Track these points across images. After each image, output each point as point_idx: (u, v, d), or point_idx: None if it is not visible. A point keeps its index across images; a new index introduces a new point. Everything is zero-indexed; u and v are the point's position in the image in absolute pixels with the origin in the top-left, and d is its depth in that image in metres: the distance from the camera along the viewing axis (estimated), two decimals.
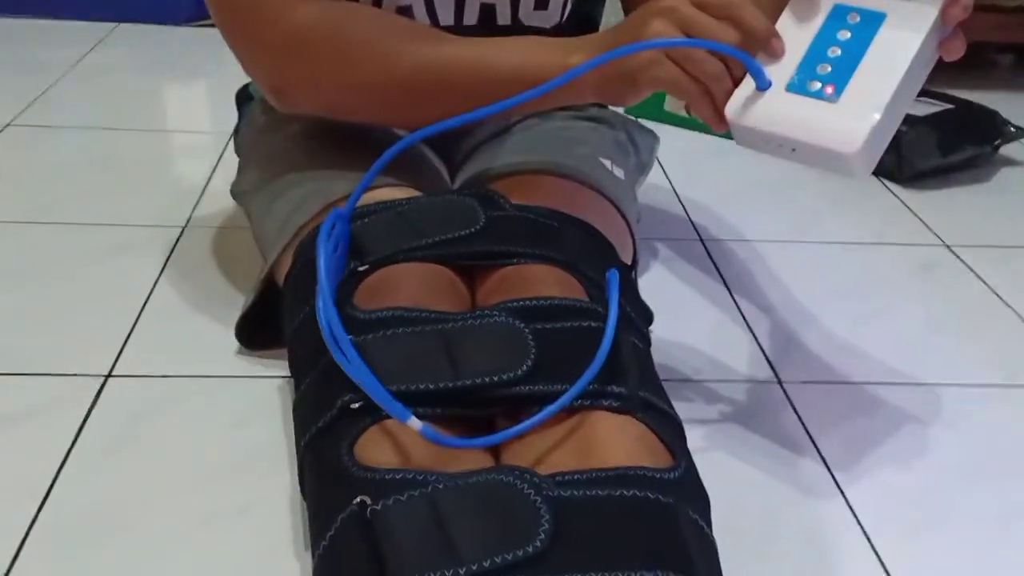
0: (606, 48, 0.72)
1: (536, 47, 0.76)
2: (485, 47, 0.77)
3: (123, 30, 1.91)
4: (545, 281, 0.73)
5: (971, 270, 1.16)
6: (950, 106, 1.46)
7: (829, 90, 0.65)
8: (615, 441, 0.61)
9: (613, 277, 0.71)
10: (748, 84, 0.67)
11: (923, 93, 1.46)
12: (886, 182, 1.39)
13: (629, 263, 0.89)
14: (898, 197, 1.35)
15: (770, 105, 0.66)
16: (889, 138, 0.66)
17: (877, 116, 0.63)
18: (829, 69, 0.66)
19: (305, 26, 0.77)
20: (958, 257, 1.19)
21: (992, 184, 1.43)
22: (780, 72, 0.67)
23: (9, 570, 0.64)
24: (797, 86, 0.66)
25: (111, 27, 1.92)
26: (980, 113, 1.46)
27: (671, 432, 0.64)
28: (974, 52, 2.06)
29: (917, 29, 0.65)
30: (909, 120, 1.36)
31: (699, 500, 0.61)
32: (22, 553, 0.66)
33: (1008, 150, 1.50)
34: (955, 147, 1.39)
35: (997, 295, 1.11)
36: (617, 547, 0.54)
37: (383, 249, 0.73)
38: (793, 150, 0.66)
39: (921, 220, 1.29)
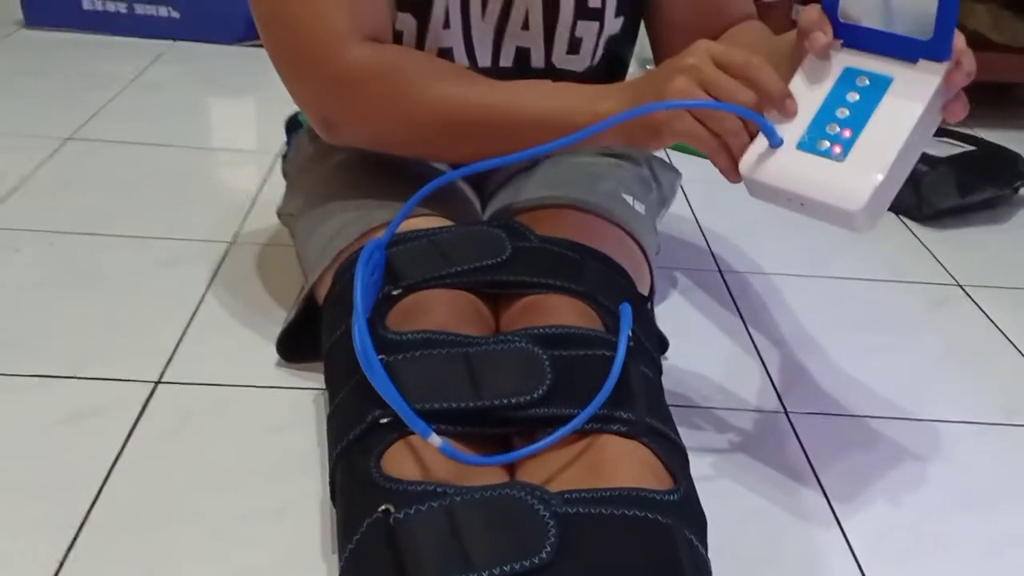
0: (634, 98, 0.77)
1: (566, 93, 0.82)
2: (518, 91, 0.83)
3: (179, 48, 2.00)
4: (564, 310, 0.79)
5: (981, 310, 1.20)
6: (972, 147, 1.50)
7: (837, 150, 0.69)
8: (621, 463, 0.66)
9: (625, 311, 0.76)
10: (762, 141, 0.72)
11: (946, 133, 1.50)
12: (905, 220, 1.43)
13: (646, 294, 0.95)
14: (915, 235, 1.39)
15: (781, 162, 0.71)
16: (893, 195, 0.70)
17: (880, 177, 0.67)
18: (837, 129, 0.70)
19: (357, 67, 0.83)
20: (970, 297, 1.23)
21: (1009, 225, 1.46)
22: (792, 131, 0.71)
23: (64, 559, 0.71)
24: (807, 145, 0.70)
25: (169, 44, 2.01)
26: (1001, 155, 1.49)
27: (675, 457, 0.69)
28: (1003, 92, 2.08)
29: (921, 95, 0.69)
30: (930, 160, 1.40)
31: (697, 522, 0.66)
32: (76, 543, 0.72)
33: None
34: (974, 188, 1.43)
35: (1005, 336, 1.14)
36: (617, 562, 0.59)
37: (416, 275, 0.79)
38: (802, 204, 0.71)
39: (936, 258, 1.33)
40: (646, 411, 0.70)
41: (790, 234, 1.32)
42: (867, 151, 0.68)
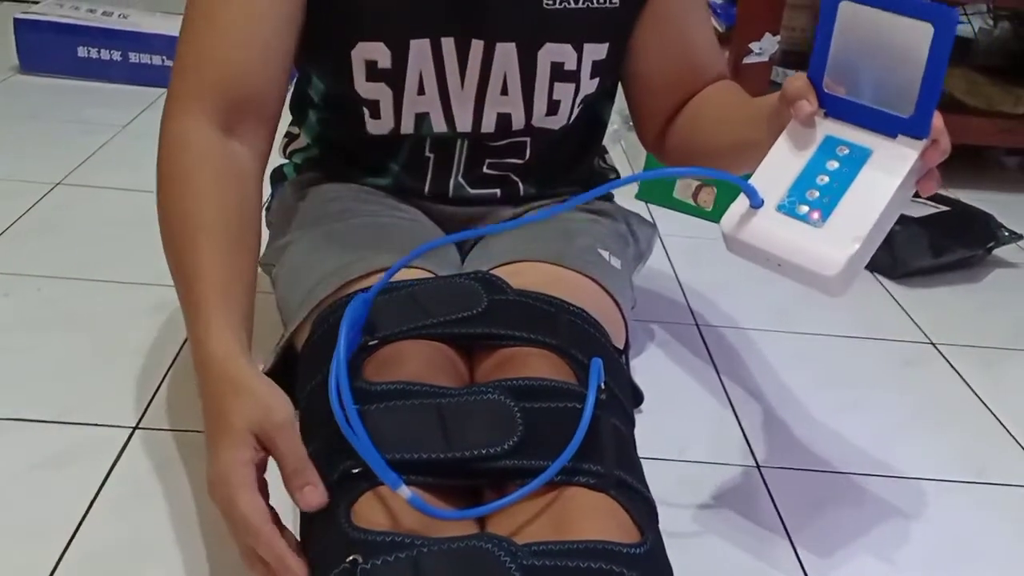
0: (205, 407, 0.72)
1: (204, 319, 0.75)
2: (198, 278, 0.77)
3: None
4: (538, 363, 0.80)
5: (953, 368, 1.22)
6: (945, 208, 1.53)
7: (815, 216, 0.71)
8: (588, 516, 0.67)
9: (595, 364, 0.78)
10: (744, 201, 0.74)
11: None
12: (879, 277, 1.46)
13: (621, 347, 0.96)
14: (890, 292, 1.42)
15: (761, 223, 0.73)
16: (867, 259, 0.72)
17: (856, 246, 0.70)
18: (817, 195, 0.72)
19: (168, 135, 0.82)
20: (942, 355, 1.25)
21: (982, 285, 1.49)
22: (772, 193, 0.73)
23: None
24: (787, 208, 0.72)
25: (161, 91, 2.03)
26: (975, 216, 1.52)
27: (642, 510, 0.70)
28: (981, 154, 2.12)
29: (898, 169, 0.71)
30: (904, 220, 1.43)
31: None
32: None
33: (1003, 252, 1.56)
34: (947, 248, 1.45)
35: (976, 394, 1.16)
36: None
37: (392, 326, 0.80)
38: (779, 265, 0.72)
39: (909, 316, 1.35)
40: (615, 464, 0.72)
41: (767, 290, 1.34)
42: (844, 219, 0.70)
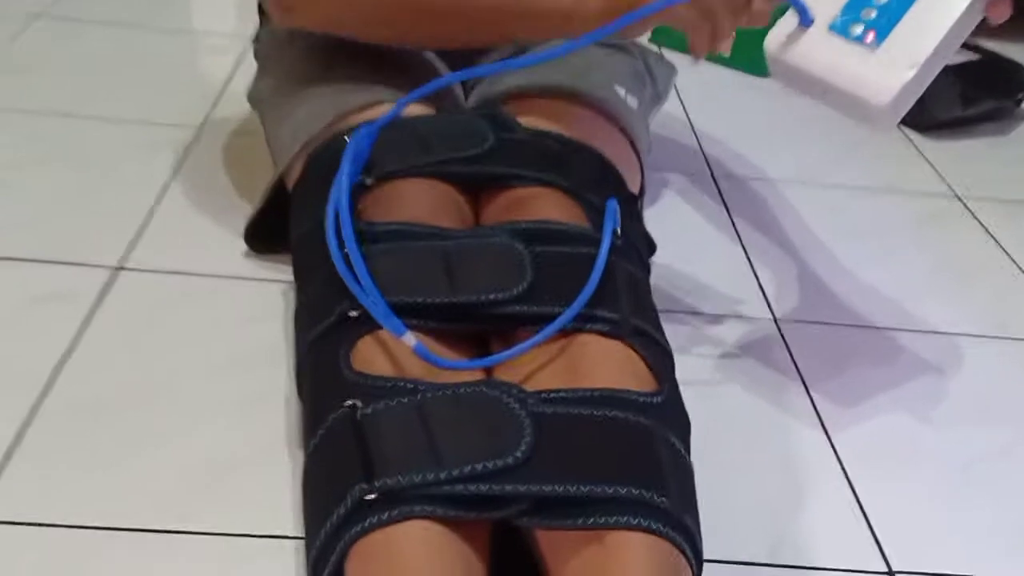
0: None
1: None
2: None
3: None
4: (548, 205, 0.74)
5: (978, 221, 1.17)
6: (975, 56, 1.44)
7: (870, 37, 0.65)
8: (602, 364, 0.63)
9: (611, 205, 0.72)
10: (792, 19, 0.67)
11: None
12: (905, 129, 1.39)
13: (636, 192, 0.90)
14: (915, 145, 1.35)
15: (810, 43, 0.66)
16: (917, 95, 0.66)
17: (912, 73, 0.63)
18: (874, 15, 0.65)
19: None
20: (967, 208, 1.19)
21: (1011, 138, 1.42)
22: (824, 10, 0.67)
23: (10, 453, 0.67)
24: (839, 27, 0.66)
25: None
26: (1005, 66, 1.45)
27: (659, 359, 0.66)
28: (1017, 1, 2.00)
29: None
30: None
31: (679, 425, 0.63)
32: (23, 437, 0.68)
33: None
34: (977, 99, 1.38)
35: (1002, 247, 1.11)
36: (592, 463, 0.56)
37: (391, 164, 0.75)
38: (824, 92, 0.67)
39: (935, 169, 1.29)
40: (631, 311, 0.67)
41: (785, 140, 1.27)
42: (901, 43, 0.64)
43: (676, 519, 0.55)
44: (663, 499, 0.55)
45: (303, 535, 0.58)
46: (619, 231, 0.72)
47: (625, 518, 0.53)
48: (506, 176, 0.76)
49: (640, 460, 0.57)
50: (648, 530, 0.53)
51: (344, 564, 0.53)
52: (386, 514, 0.52)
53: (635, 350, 0.64)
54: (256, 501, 0.66)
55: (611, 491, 0.54)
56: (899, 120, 0.67)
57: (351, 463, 0.55)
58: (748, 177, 1.19)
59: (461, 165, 0.76)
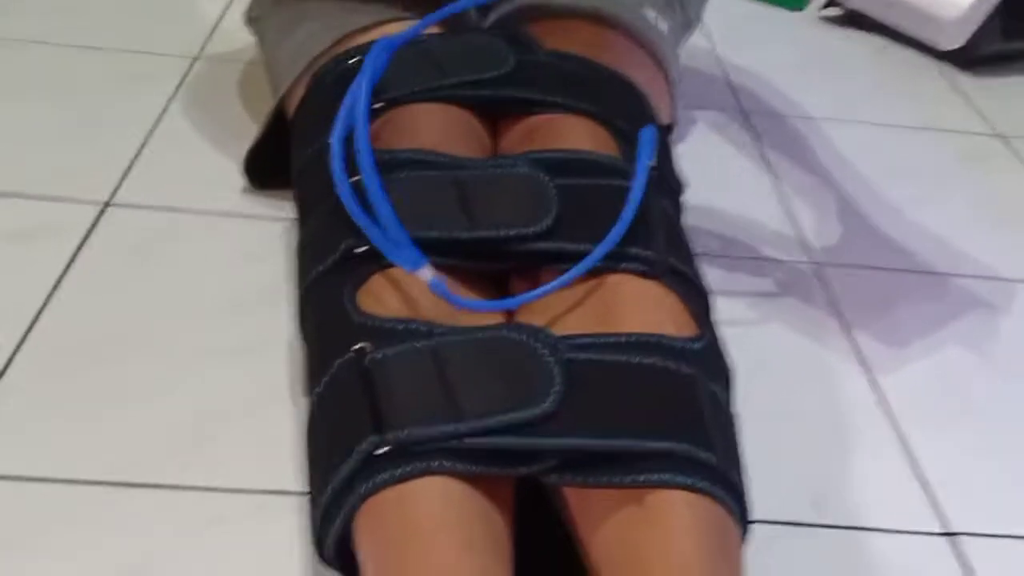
0: None
1: None
2: None
3: None
4: (575, 133, 0.68)
5: (1021, 161, 1.10)
6: None
7: None
8: (637, 306, 0.57)
9: (647, 134, 0.66)
10: None
11: None
12: (944, 65, 1.31)
13: (667, 125, 0.84)
14: (953, 82, 1.28)
15: None
16: (988, 10, 0.62)
17: None
18: None
19: None
20: (1009, 147, 1.13)
21: None
22: None
23: None
24: None
25: None
26: None
27: (697, 301, 0.60)
28: None
29: None
30: None
31: (720, 373, 0.57)
32: (6, 374, 0.64)
33: None
34: (1019, 32, 1.30)
35: None
36: (630, 415, 0.51)
37: (401, 87, 0.68)
38: (889, 6, 0.63)
39: (975, 108, 1.22)
40: (666, 249, 0.61)
41: (818, 75, 1.20)
42: None
43: (723, 476, 0.49)
44: (709, 454, 0.49)
45: (307, 490, 0.52)
46: (654, 163, 0.65)
47: (668, 475, 0.48)
48: (529, 101, 0.70)
49: (682, 412, 0.51)
50: (693, 488, 0.48)
51: (352, 523, 0.48)
52: (399, 470, 0.47)
53: (673, 291, 0.58)
54: (254, 454, 0.61)
55: (652, 446, 0.48)
56: (962, 42, 0.63)
57: (359, 413, 0.50)
58: (781, 114, 1.13)
59: (479, 88, 0.70)
